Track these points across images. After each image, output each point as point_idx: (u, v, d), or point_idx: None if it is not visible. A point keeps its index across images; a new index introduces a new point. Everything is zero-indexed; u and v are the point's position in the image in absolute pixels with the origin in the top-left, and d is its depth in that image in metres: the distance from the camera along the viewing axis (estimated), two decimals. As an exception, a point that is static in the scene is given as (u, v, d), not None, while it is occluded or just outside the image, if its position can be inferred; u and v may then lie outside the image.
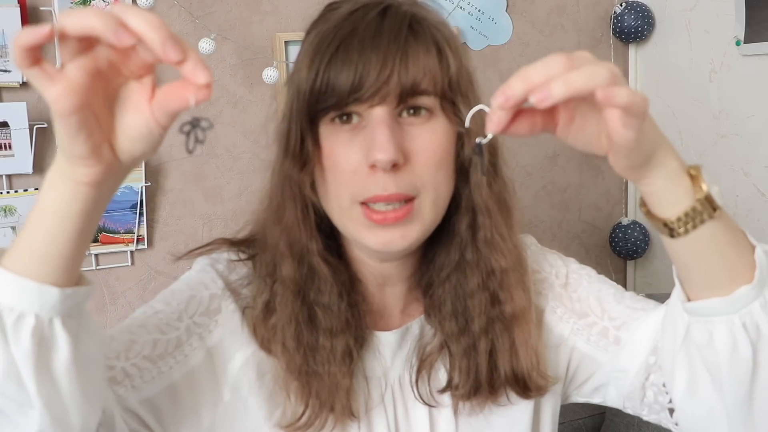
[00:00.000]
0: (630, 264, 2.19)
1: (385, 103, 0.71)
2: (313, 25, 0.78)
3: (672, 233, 0.60)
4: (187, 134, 0.53)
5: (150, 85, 0.53)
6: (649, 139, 0.58)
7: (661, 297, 1.63)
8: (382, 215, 0.72)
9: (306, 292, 0.78)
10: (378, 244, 0.73)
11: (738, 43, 1.76)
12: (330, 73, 0.71)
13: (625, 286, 2.20)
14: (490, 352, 0.79)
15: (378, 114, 0.71)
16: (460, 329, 0.80)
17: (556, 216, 2.12)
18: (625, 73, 2.12)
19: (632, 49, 2.11)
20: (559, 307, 0.86)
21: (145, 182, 1.68)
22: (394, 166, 0.70)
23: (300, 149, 0.75)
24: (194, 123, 0.53)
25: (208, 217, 1.80)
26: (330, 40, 0.72)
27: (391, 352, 0.83)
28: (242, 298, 0.81)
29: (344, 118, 0.73)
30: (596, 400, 0.87)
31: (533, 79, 0.52)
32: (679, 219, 0.59)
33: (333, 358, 0.77)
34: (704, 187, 0.59)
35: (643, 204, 0.63)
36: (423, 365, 0.82)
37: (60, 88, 0.49)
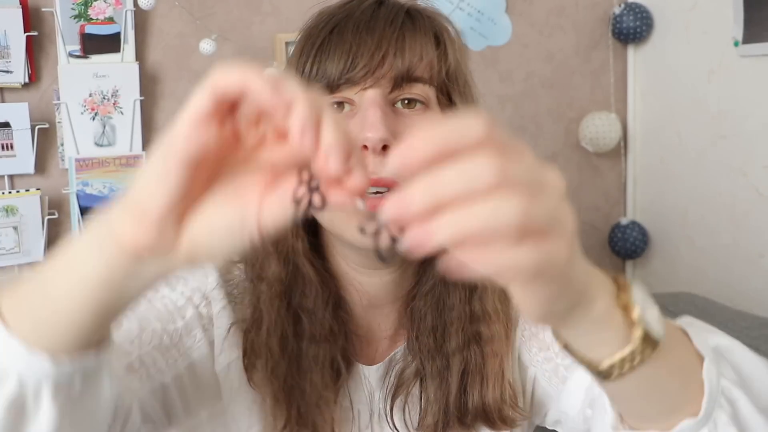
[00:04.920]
0: (629, 264, 2.20)
1: (378, 86, 0.67)
2: (306, 24, 0.75)
3: (604, 377, 0.48)
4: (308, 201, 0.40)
5: (272, 174, 0.41)
6: (572, 289, 0.43)
7: (661, 297, 1.64)
8: (370, 201, 0.66)
9: (291, 295, 0.74)
10: (364, 239, 0.68)
11: (736, 44, 1.77)
12: (322, 55, 0.68)
13: (624, 286, 2.21)
14: (462, 374, 0.75)
15: (370, 95, 0.67)
16: (437, 346, 0.75)
17: (556, 216, 2.12)
18: (624, 74, 2.13)
19: (631, 50, 2.11)
20: (527, 330, 0.80)
21: (146, 182, 1.69)
22: (384, 149, 0.65)
23: None
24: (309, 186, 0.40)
25: (208, 217, 1.81)
26: (324, 26, 0.70)
27: (376, 384, 0.79)
28: (232, 301, 0.76)
29: (335, 106, 0.69)
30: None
31: (440, 191, 0.36)
32: (612, 366, 0.47)
33: (315, 366, 0.73)
34: (636, 318, 0.46)
35: (561, 340, 0.50)
36: (399, 391, 0.77)
37: (205, 129, 0.39)
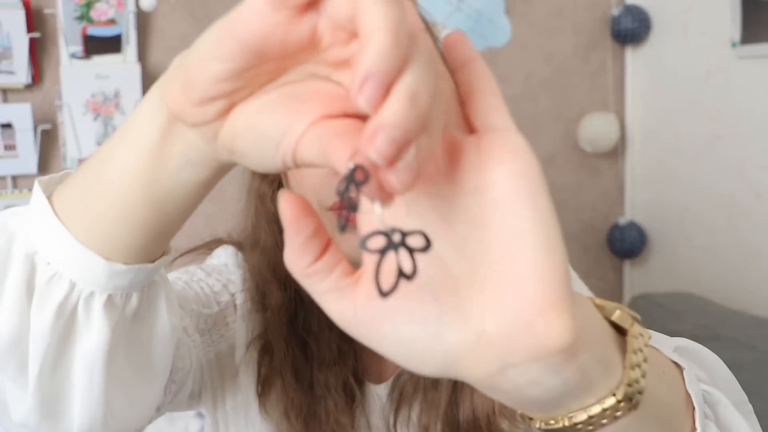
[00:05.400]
0: (627, 264, 2.20)
1: None
2: None
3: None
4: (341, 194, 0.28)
5: (342, 100, 0.31)
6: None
7: (658, 296, 1.65)
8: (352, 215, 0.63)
9: (296, 320, 0.72)
10: (350, 251, 0.64)
11: (734, 45, 1.78)
12: None
13: (621, 285, 2.23)
14: (453, 385, 0.72)
15: None
16: None
17: (554, 216, 2.14)
18: (623, 75, 2.14)
19: (629, 51, 2.13)
20: None
21: (148, 183, 1.70)
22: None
23: None
24: (350, 178, 0.27)
25: (210, 217, 1.81)
26: None
27: (387, 402, 0.77)
28: (251, 310, 0.76)
29: None
30: None
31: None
32: (590, 418, 0.34)
33: (328, 392, 0.71)
34: (635, 332, 0.36)
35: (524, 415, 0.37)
36: (401, 408, 0.75)
37: (277, 12, 0.30)
